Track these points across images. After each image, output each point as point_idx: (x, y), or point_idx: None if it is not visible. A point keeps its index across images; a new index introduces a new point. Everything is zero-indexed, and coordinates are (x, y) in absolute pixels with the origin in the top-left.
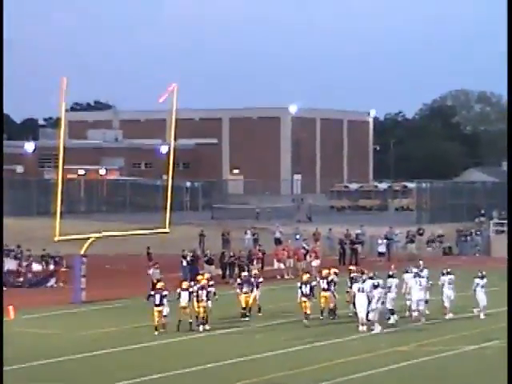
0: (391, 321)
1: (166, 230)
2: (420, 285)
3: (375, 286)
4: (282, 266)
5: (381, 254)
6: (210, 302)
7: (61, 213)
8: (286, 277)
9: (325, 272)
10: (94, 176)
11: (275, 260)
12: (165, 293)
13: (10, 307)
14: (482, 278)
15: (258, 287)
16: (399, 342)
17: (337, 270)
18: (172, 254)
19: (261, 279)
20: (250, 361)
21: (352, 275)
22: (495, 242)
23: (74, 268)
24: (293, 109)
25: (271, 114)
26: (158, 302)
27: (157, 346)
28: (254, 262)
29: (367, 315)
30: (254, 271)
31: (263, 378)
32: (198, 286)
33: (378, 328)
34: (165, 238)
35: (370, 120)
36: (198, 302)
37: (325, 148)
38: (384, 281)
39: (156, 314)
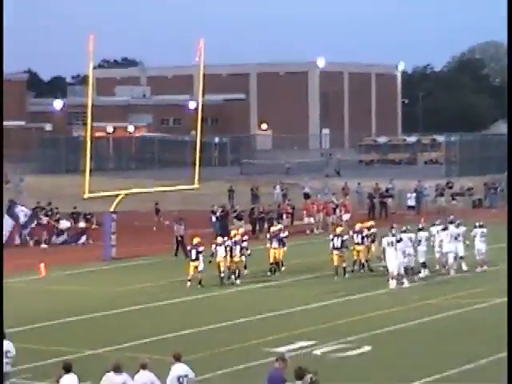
0: (422, 274)
1: (195, 185)
2: (450, 238)
3: (399, 241)
4: (311, 220)
5: (410, 207)
6: (243, 256)
7: (90, 170)
8: (316, 231)
9: (358, 226)
10: (122, 133)
11: (304, 214)
12: (201, 248)
13: (42, 265)
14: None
15: (283, 242)
16: (429, 296)
17: (372, 223)
18: (201, 210)
19: (286, 233)
20: (280, 315)
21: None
22: None
23: (104, 225)
24: (320, 63)
25: (299, 68)
26: (193, 257)
27: (191, 301)
28: (284, 217)
29: (397, 269)
30: (280, 226)
31: (294, 333)
32: (232, 241)
33: (406, 282)
34: (194, 194)
35: (398, 73)
36: (231, 256)
37: (353, 102)
38: (415, 234)
39: (191, 268)
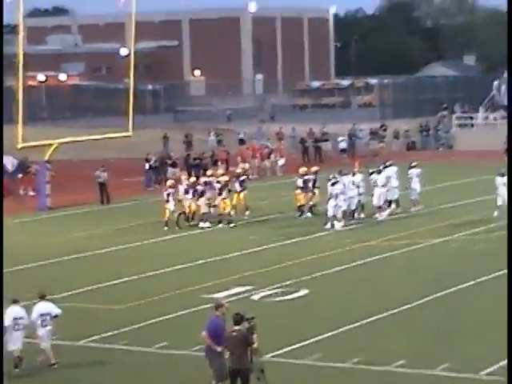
0: (357, 216)
1: (129, 133)
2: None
3: (334, 183)
4: (246, 165)
5: (343, 150)
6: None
7: (23, 120)
8: (251, 177)
9: (302, 170)
10: (54, 82)
11: (239, 160)
12: (170, 190)
13: None
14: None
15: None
16: (367, 238)
17: (317, 168)
18: (136, 158)
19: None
20: (218, 261)
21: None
22: (458, 135)
23: (38, 175)
24: (252, 7)
25: (231, 14)
26: (166, 199)
27: (128, 248)
28: (219, 163)
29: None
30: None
31: (232, 278)
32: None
33: (338, 224)
34: (128, 142)
35: (331, 17)
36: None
37: (286, 47)
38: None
39: (166, 211)
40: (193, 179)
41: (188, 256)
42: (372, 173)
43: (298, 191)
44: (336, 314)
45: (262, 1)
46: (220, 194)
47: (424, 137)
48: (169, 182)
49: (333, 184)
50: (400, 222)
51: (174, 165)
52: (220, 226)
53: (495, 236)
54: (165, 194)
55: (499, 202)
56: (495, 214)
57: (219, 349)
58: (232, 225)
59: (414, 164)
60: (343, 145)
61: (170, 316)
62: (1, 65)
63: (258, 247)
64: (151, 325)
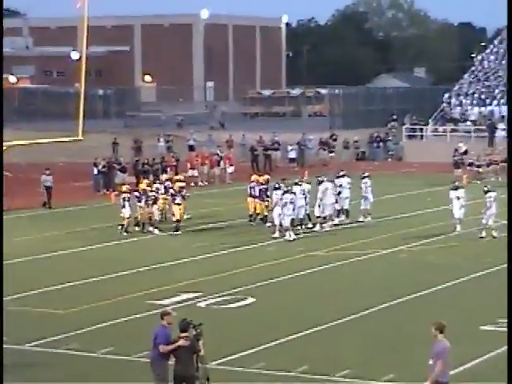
0: (307, 226)
1: (79, 137)
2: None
3: (285, 192)
4: (195, 172)
5: (292, 160)
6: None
7: None
8: (200, 184)
9: (253, 177)
10: (4, 85)
11: (188, 167)
12: (127, 195)
13: None
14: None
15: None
16: (315, 247)
17: (268, 177)
18: (85, 163)
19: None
20: (166, 267)
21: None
22: (407, 147)
23: None
24: (204, 15)
25: (183, 20)
26: (122, 205)
27: (76, 253)
28: (168, 170)
29: (281, 222)
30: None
31: (179, 285)
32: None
33: (293, 235)
34: (78, 146)
35: (283, 26)
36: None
37: (237, 55)
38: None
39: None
40: (144, 185)
41: (136, 262)
42: (321, 182)
43: (250, 199)
44: (282, 323)
45: (214, 8)
46: (174, 200)
47: (373, 148)
48: (124, 188)
49: (284, 192)
50: (349, 232)
51: (122, 170)
52: (176, 232)
53: (444, 247)
54: (120, 199)
55: (456, 215)
56: (458, 228)
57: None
58: (179, 232)
59: (365, 174)
60: (293, 154)
61: (116, 321)
62: (1, 65)
63: (206, 254)
64: (97, 330)
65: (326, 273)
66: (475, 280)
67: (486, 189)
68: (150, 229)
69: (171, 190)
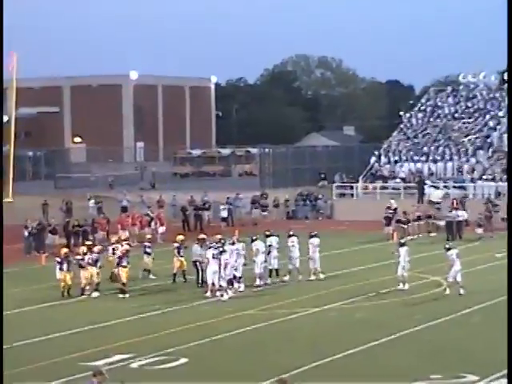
0: (240, 288)
1: (9, 199)
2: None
3: (222, 252)
4: (126, 233)
5: (223, 219)
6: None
7: None
8: (132, 244)
9: (179, 237)
10: None
11: (119, 228)
12: (59, 259)
13: None
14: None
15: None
16: (247, 306)
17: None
18: (16, 225)
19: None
20: (98, 328)
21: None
22: (337, 205)
23: None
24: (133, 76)
25: (112, 81)
26: (65, 269)
27: (11, 314)
28: (99, 231)
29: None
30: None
31: (112, 346)
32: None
33: (226, 295)
34: (8, 208)
35: (212, 86)
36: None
37: (167, 115)
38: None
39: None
40: (84, 249)
41: (68, 323)
42: (253, 240)
43: (176, 258)
44: (214, 383)
45: (143, 68)
46: (119, 262)
47: (303, 206)
48: (63, 251)
49: (221, 252)
50: (280, 291)
51: (53, 232)
52: (123, 295)
53: (376, 304)
54: (55, 263)
55: (399, 272)
56: (406, 286)
57: None
58: (127, 295)
59: (291, 233)
60: (224, 213)
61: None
62: (1, 69)
63: (138, 315)
64: None
65: (257, 332)
66: (406, 336)
67: (447, 246)
68: (93, 293)
69: (118, 252)
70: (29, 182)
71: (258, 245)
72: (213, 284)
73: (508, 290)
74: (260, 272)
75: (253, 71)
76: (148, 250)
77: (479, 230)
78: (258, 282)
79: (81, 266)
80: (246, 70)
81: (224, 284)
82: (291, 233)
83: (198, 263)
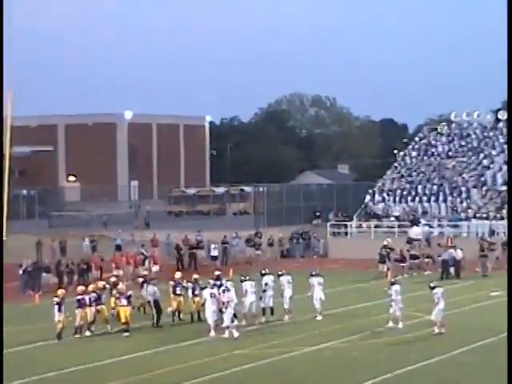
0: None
1: (3, 238)
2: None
3: (225, 291)
4: (120, 272)
5: (213, 257)
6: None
7: None
8: (126, 283)
9: (177, 274)
10: None
11: (114, 266)
12: (56, 300)
13: None
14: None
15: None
16: (240, 346)
17: (196, 276)
18: (9, 263)
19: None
20: (89, 368)
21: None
22: (332, 243)
23: None
24: (128, 115)
25: (107, 120)
26: (63, 310)
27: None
28: (93, 269)
29: (217, 320)
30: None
31: None
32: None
33: (236, 332)
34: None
35: (206, 125)
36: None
37: (161, 153)
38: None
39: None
40: (81, 288)
41: (61, 363)
42: (243, 280)
43: (173, 296)
44: None
45: (138, 107)
46: (119, 301)
47: (297, 244)
48: (61, 292)
49: (224, 291)
50: (275, 330)
51: (47, 270)
52: (125, 334)
53: (370, 343)
54: (54, 305)
55: (391, 310)
56: (390, 324)
57: None
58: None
59: (281, 272)
60: (215, 252)
61: None
62: (1, 71)
63: (131, 354)
64: None
65: (251, 372)
66: (401, 375)
67: (432, 285)
68: (87, 332)
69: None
70: (23, 221)
71: (247, 285)
72: (215, 323)
73: (508, 293)
74: (245, 312)
75: (247, 110)
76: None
77: (477, 269)
78: (243, 322)
79: (80, 306)
80: (241, 109)
81: (229, 322)
82: (281, 272)
83: (154, 303)
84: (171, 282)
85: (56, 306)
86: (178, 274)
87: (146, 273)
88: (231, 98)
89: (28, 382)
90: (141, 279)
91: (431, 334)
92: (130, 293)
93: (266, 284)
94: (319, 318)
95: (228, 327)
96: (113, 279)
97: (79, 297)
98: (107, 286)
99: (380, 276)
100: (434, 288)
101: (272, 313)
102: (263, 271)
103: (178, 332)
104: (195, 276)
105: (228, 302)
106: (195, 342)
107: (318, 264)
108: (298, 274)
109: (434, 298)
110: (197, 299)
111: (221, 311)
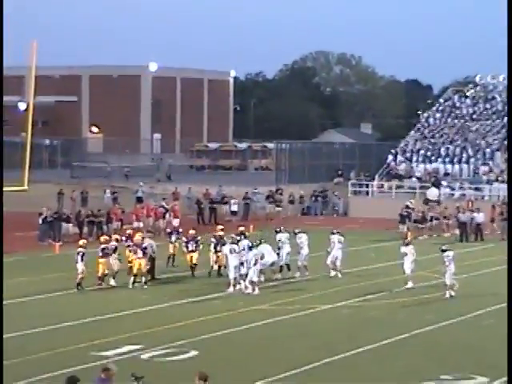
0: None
1: (25, 187)
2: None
3: (250, 248)
4: (140, 224)
5: (233, 213)
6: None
7: None
8: (148, 234)
9: (191, 232)
10: None
11: (134, 218)
12: (82, 250)
13: None
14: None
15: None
16: (258, 302)
17: (222, 233)
18: (30, 212)
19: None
20: (109, 319)
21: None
22: (352, 202)
23: None
24: (153, 67)
25: (131, 72)
26: (100, 254)
27: (23, 302)
28: (113, 221)
29: (239, 276)
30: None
31: (122, 337)
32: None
33: (257, 290)
34: (22, 196)
35: (231, 80)
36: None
37: (185, 107)
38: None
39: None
40: (104, 238)
41: (80, 313)
42: (278, 232)
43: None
44: (224, 377)
45: (162, 60)
46: (136, 252)
47: (318, 202)
48: (80, 242)
49: (250, 248)
50: (293, 287)
51: (67, 220)
52: (145, 285)
53: (388, 303)
54: (76, 255)
55: (406, 271)
56: (409, 284)
57: None
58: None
59: (298, 230)
60: (235, 207)
61: (59, 372)
62: (1, 69)
63: (149, 306)
64: (38, 381)
65: (269, 327)
66: (416, 336)
67: (443, 248)
68: (111, 281)
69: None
70: (45, 171)
71: (283, 237)
72: (235, 279)
73: (508, 290)
74: (282, 264)
75: (272, 66)
76: (172, 238)
77: (498, 232)
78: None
79: (103, 255)
80: (265, 65)
81: (256, 279)
82: (298, 230)
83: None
84: (183, 238)
85: (79, 256)
86: (191, 231)
87: (176, 224)
88: (256, 54)
89: (50, 330)
90: (168, 229)
91: (443, 298)
92: (145, 244)
93: (279, 241)
94: (339, 275)
95: (252, 282)
96: (129, 231)
97: (103, 245)
98: (123, 238)
99: (400, 236)
100: (445, 251)
101: (289, 269)
102: (277, 229)
103: (200, 285)
104: (220, 233)
105: (256, 260)
106: (215, 297)
107: (338, 223)
108: (318, 232)
109: (444, 260)
110: (220, 254)
111: (242, 265)
